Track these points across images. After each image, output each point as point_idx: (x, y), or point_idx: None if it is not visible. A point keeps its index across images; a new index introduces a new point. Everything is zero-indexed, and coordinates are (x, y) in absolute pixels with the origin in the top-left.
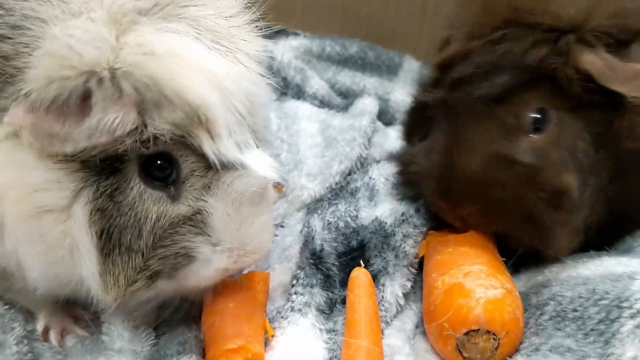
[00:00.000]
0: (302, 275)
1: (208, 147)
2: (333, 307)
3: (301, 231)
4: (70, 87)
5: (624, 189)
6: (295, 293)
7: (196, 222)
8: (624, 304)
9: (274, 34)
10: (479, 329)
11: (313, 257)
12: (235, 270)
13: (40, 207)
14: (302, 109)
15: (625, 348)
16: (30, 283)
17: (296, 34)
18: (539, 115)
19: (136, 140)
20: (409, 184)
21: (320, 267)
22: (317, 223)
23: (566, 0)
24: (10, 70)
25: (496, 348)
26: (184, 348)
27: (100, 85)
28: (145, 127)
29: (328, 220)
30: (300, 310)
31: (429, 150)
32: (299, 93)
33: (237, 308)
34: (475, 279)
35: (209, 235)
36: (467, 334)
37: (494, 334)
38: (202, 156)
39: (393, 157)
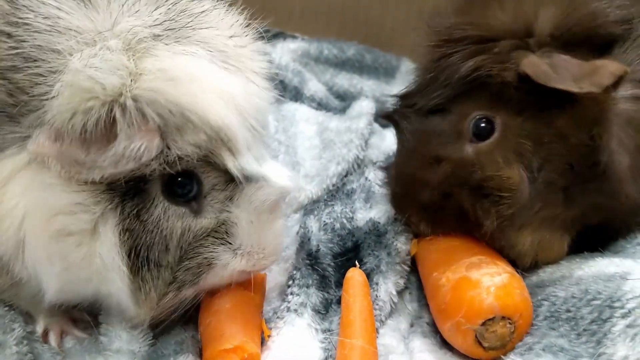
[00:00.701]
0: (298, 275)
1: (231, 164)
2: (329, 307)
3: (297, 232)
4: (95, 117)
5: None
6: (292, 293)
7: (220, 232)
8: (616, 304)
9: (272, 37)
10: (494, 317)
11: (309, 258)
12: (252, 271)
13: (64, 229)
14: (300, 111)
15: (616, 348)
16: (46, 297)
17: (294, 37)
18: (483, 124)
19: (161, 163)
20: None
21: (316, 267)
22: (313, 224)
23: (501, 9)
24: (25, 99)
25: (512, 332)
26: (181, 348)
27: (124, 113)
28: (169, 149)
29: (324, 222)
30: (296, 310)
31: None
32: (297, 95)
33: (233, 308)
34: (478, 269)
35: (231, 243)
36: (483, 324)
37: (509, 319)
38: (222, 171)
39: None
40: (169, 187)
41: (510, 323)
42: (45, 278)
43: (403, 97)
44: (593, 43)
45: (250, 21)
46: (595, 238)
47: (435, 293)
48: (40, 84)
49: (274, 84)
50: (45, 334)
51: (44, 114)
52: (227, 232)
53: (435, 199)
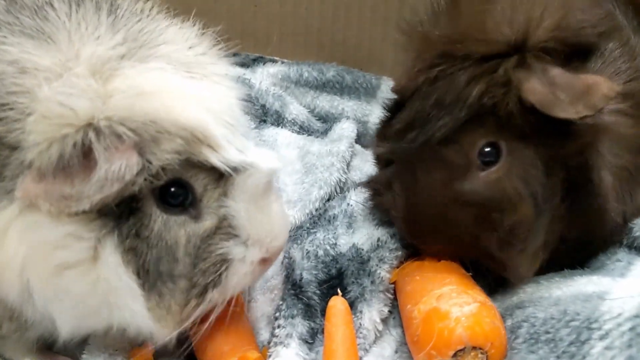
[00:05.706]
0: (284, 306)
1: (215, 159)
2: (315, 336)
3: (282, 262)
4: (71, 145)
5: (578, 207)
6: (279, 326)
7: (224, 228)
8: (594, 325)
9: (252, 62)
10: (464, 348)
11: (294, 287)
12: (270, 258)
13: (64, 263)
14: (281, 135)
15: None
16: (60, 337)
17: (273, 61)
18: (489, 149)
19: (146, 178)
20: (379, 211)
21: (301, 296)
22: (296, 253)
23: (500, 19)
24: (6, 153)
25: None
26: None
27: (99, 136)
28: (151, 163)
29: (307, 250)
30: (282, 342)
31: (389, 184)
32: (279, 120)
33: (221, 325)
34: (448, 300)
35: (238, 236)
36: (454, 355)
37: (480, 349)
38: (210, 170)
39: (363, 184)
40: (163, 199)
41: (482, 353)
42: (57, 316)
43: (400, 131)
44: (575, 52)
45: (228, 47)
46: (574, 255)
47: (408, 326)
48: (17, 129)
49: (255, 108)
50: None
51: (24, 156)
52: (230, 226)
53: (459, 235)
